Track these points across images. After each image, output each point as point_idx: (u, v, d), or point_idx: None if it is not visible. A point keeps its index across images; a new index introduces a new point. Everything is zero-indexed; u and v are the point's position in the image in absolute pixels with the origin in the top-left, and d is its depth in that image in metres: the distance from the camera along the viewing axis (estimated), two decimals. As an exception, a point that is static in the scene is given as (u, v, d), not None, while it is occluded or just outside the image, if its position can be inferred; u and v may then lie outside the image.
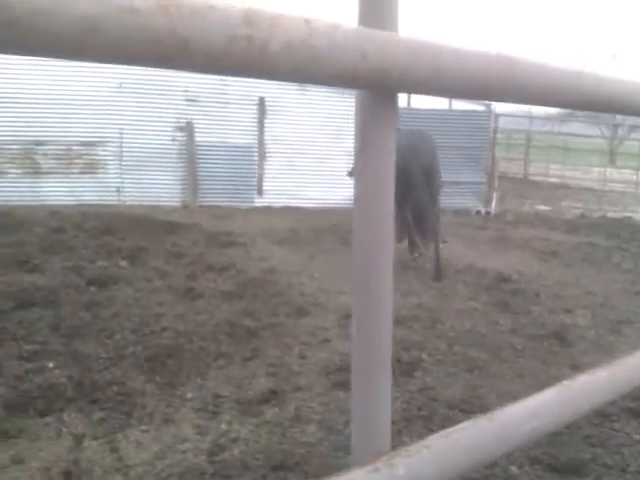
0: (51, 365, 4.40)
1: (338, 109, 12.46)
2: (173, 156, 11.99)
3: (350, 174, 11.06)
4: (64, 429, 3.63)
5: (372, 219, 0.82)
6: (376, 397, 0.92)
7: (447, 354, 5.06)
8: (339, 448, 3.58)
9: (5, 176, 11.10)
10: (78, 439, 3.53)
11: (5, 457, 3.33)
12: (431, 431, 3.77)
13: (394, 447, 3.10)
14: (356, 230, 0.84)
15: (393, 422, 3.40)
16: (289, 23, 0.55)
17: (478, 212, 13.49)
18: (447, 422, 3.89)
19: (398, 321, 5.68)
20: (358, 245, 0.83)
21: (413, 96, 16.70)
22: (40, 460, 3.32)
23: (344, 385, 4.37)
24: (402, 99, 16.91)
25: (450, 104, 14.80)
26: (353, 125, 0.87)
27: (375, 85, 0.69)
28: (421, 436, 3.63)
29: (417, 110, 14.02)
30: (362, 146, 0.80)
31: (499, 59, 0.79)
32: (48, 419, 3.72)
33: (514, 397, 4.20)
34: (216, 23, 0.49)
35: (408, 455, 0.89)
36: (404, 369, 4.69)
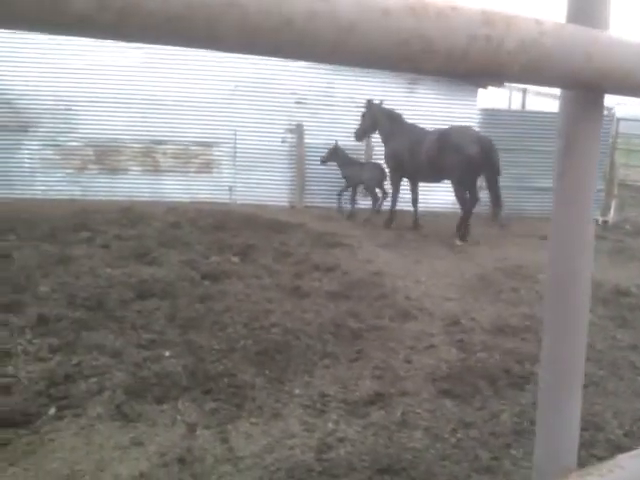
0: (167, 354, 4.62)
1: (446, 111, 12.25)
2: (283, 157, 12.26)
3: (322, 161, 11.46)
4: (179, 417, 3.79)
5: (573, 222, 0.79)
6: (565, 413, 0.89)
7: (561, 368, 4.84)
8: (446, 457, 3.52)
9: (127, 173, 11.82)
10: (191, 427, 3.67)
11: (126, 439, 3.53)
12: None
13: (497, 458, 2.98)
14: (554, 234, 0.81)
15: (500, 435, 3.26)
16: (522, 23, 0.54)
17: (595, 221, 12.78)
18: (560, 439, 3.72)
19: (508, 332, 5.50)
20: (555, 251, 0.80)
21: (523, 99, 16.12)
22: (157, 445, 3.48)
23: (451, 393, 4.29)
24: (515, 102, 16.38)
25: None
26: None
27: (594, 86, 0.67)
28: (532, 451, 3.42)
29: (535, 113, 13.51)
30: (566, 146, 0.78)
31: None
32: (164, 406, 3.90)
33: (634, 416, 3.94)
34: (458, 24, 0.49)
35: (600, 474, 0.84)
36: (515, 381, 4.54)
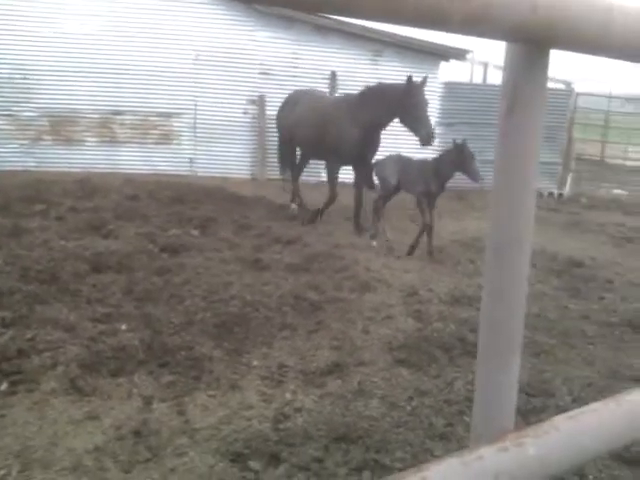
0: (123, 327, 4.55)
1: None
2: (244, 129, 12.09)
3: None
4: (134, 390, 3.75)
5: (514, 186, 0.77)
6: (503, 376, 0.88)
7: (515, 338, 4.93)
8: (401, 424, 3.57)
9: (84, 144, 11.51)
10: (147, 400, 3.64)
11: (80, 413, 3.48)
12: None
13: (451, 425, 3.01)
14: (495, 197, 0.79)
15: (454, 402, 3.32)
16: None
17: (551, 194, 13.03)
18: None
19: (464, 302, 5.58)
20: (495, 215, 0.79)
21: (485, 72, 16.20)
22: (112, 418, 3.44)
23: (407, 362, 4.35)
24: (477, 75, 16.43)
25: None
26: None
27: (540, 40, 0.65)
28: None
29: (496, 87, 13.58)
30: (511, 105, 0.75)
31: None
32: (120, 380, 3.85)
33: (582, 383, 4.02)
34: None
35: (536, 435, 0.84)
36: (469, 350, 4.62)
